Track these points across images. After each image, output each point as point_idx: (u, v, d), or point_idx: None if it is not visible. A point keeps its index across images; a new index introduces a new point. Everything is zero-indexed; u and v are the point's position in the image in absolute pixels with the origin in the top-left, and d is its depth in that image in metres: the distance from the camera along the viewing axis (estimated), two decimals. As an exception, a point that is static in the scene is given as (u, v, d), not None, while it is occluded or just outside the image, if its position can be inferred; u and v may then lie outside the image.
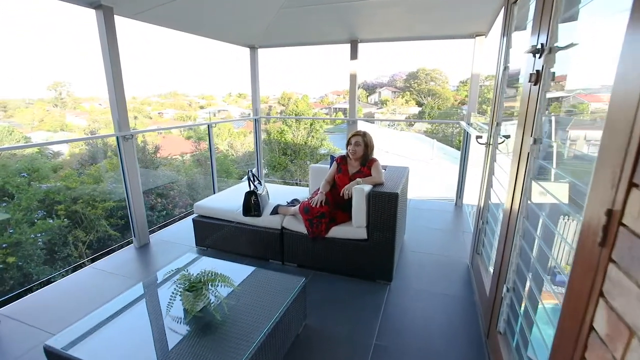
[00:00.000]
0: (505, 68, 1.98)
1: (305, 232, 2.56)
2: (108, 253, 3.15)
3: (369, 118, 30.54)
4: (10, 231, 3.93)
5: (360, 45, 4.23)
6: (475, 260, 2.50)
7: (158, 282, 1.88)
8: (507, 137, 2.19)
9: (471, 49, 3.73)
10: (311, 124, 13.35)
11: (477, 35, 3.60)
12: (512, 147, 2.45)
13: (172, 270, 1.84)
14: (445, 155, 16.19)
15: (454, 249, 3.04)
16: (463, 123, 3.95)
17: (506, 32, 2.04)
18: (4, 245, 3.62)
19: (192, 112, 42.01)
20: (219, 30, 3.89)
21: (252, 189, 2.79)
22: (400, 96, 37.19)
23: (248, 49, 4.74)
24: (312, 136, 13.44)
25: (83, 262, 4.83)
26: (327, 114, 38.10)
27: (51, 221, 4.26)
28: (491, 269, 2.20)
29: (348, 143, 2.65)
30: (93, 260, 3.13)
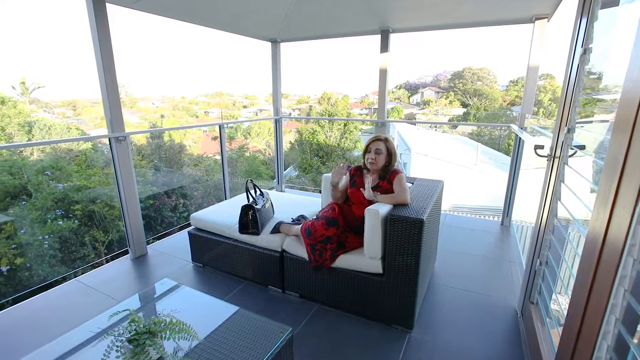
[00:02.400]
0: (586, 51, 1.38)
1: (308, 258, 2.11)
2: (123, 254, 2.94)
3: (403, 120, 29.28)
4: (22, 231, 3.94)
5: (398, 39, 3.69)
6: (527, 309, 1.89)
7: (109, 323, 1.52)
8: (582, 147, 1.58)
9: (528, 38, 3.05)
10: (345, 125, 12.81)
11: (537, 19, 2.91)
12: (584, 161, 1.81)
13: (118, 312, 1.46)
14: (491, 160, 14.89)
15: (499, 285, 2.42)
16: (514, 127, 3.26)
17: (588, 6, 1.43)
18: (13, 246, 3.62)
19: (235, 112, 43.52)
20: (233, 21, 3.54)
21: (250, 202, 2.38)
22: (444, 97, 35.43)
23: (269, 44, 4.38)
24: (346, 137, 12.88)
25: (101, 261, 4.76)
26: (367, 114, 37.29)
27: (61, 223, 4.22)
28: (551, 330, 1.60)
29: (366, 150, 2.13)
30: (114, 258, 2.95)
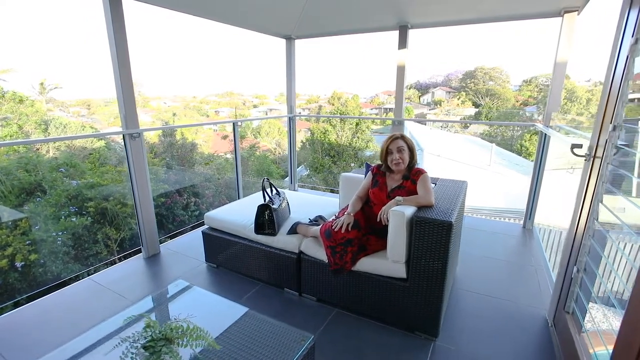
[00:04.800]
0: (637, 41, 1.26)
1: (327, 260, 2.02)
2: (136, 252, 2.91)
3: (421, 119, 28.96)
4: (36, 227, 3.97)
5: (413, 34, 3.57)
6: (562, 319, 1.77)
7: (124, 328, 1.46)
8: (626, 147, 1.46)
9: (545, 34, 2.91)
10: (357, 124, 12.68)
11: (565, 12, 2.77)
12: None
13: (133, 316, 1.40)
14: (504, 161, 14.62)
15: (524, 292, 2.30)
16: (540, 125, 3.13)
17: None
18: (27, 242, 3.64)
19: (245, 111, 43.86)
20: (248, 17, 3.48)
21: (266, 201, 2.31)
22: (456, 97, 34.95)
23: (284, 41, 4.31)
24: (358, 137, 12.75)
25: (113, 260, 4.77)
26: (377, 114, 37.03)
27: (74, 219, 4.24)
28: (593, 342, 1.48)
29: (387, 152, 2.00)
30: (126, 257, 2.93)
